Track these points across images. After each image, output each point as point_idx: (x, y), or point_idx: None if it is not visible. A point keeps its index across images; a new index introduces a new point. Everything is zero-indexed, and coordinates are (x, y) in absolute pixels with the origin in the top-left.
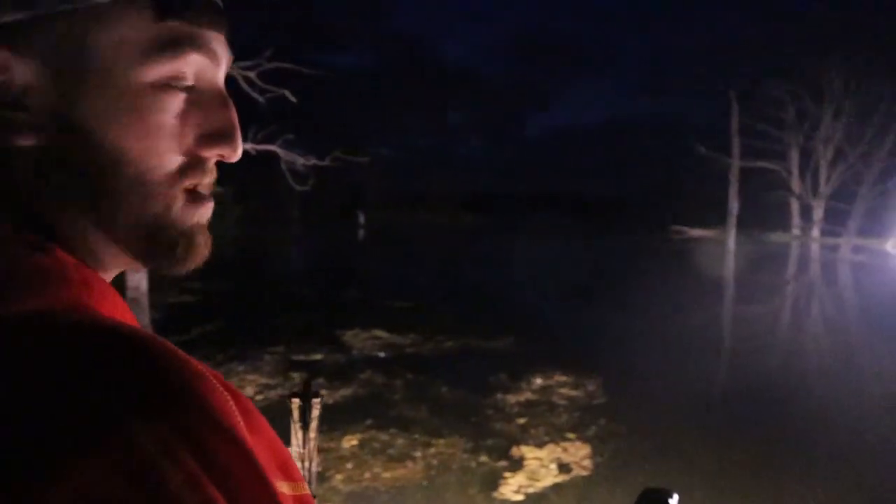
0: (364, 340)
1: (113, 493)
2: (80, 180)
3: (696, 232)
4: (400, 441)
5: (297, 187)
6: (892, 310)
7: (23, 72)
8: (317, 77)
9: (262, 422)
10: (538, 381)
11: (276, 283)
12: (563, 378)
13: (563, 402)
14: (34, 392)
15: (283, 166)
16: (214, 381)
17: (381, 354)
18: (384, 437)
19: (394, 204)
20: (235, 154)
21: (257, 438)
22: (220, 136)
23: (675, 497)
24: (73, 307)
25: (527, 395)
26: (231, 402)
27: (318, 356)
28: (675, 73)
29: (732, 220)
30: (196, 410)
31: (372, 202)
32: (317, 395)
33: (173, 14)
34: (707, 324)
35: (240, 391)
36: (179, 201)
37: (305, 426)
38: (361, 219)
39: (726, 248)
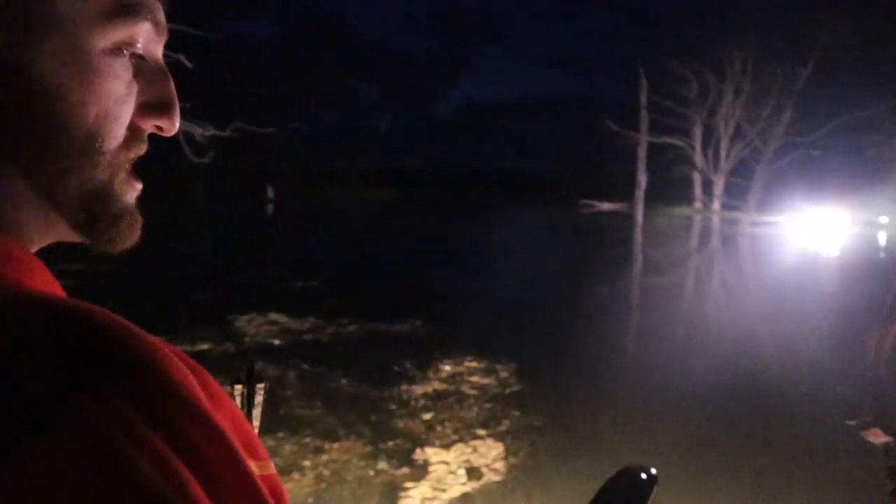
0: (259, 326)
1: (71, 478)
2: (28, 140)
3: (606, 206)
4: (288, 447)
5: (195, 159)
6: (782, 278)
7: None
8: (220, 44)
9: (224, 396)
10: (447, 368)
11: (171, 264)
12: (474, 364)
13: (473, 392)
14: None
15: (181, 137)
16: (172, 355)
17: (276, 342)
18: (270, 442)
19: (305, 179)
20: (174, 126)
21: (220, 414)
22: (161, 107)
23: (653, 471)
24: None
25: (434, 386)
26: (191, 377)
27: (205, 346)
28: (586, 49)
29: (640, 195)
30: (157, 386)
31: (282, 177)
32: (260, 381)
33: None
34: (618, 296)
35: (199, 365)
36: (123, 173)
37: (248, 415)
38: (270, 194)
39: (634, 222)
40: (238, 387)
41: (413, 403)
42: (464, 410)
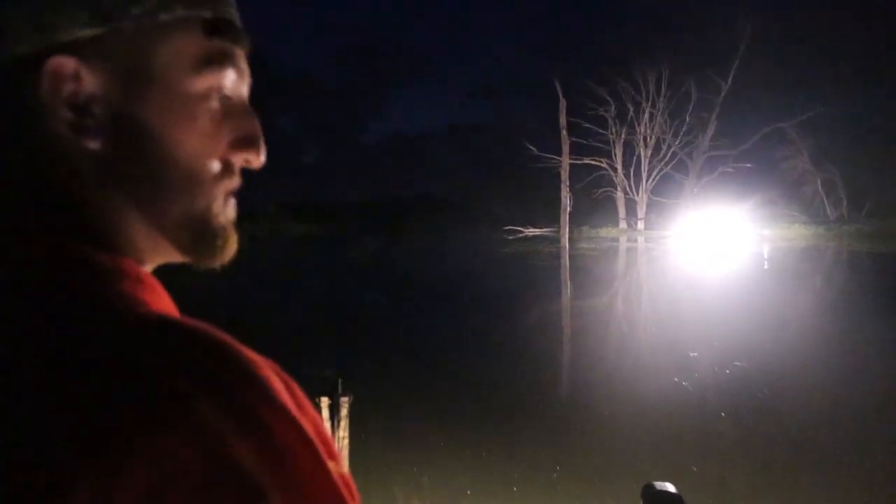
0: None
1: (187, 465)
2: (138, 180)
3: (531, 231)
4: None
5: None
6: (700, 297)
7: (91, 81)
8: None
9: (307, 404)
10: None
11: None
12: None
13: None
14: (112, 378)
15: None
16: (269, 369)
17: None
18: None
19: None
20: (260, 160)
21: (305, 420)
22: (248, 142)
23: (671, 487)
24: (131, 301)
25: None
26: (283, 387)
27: None
28: (509, 77)
29: (565, 218)
30: (259, 394)
31: None
32: (345, 395)
33: (219, 33)
34: (549, 333)
35: (288, 375)
36: (219, 201)
37: (335, 426)
38: None
39: (560, 245)
40: (325, 399)
41: None
42: None
